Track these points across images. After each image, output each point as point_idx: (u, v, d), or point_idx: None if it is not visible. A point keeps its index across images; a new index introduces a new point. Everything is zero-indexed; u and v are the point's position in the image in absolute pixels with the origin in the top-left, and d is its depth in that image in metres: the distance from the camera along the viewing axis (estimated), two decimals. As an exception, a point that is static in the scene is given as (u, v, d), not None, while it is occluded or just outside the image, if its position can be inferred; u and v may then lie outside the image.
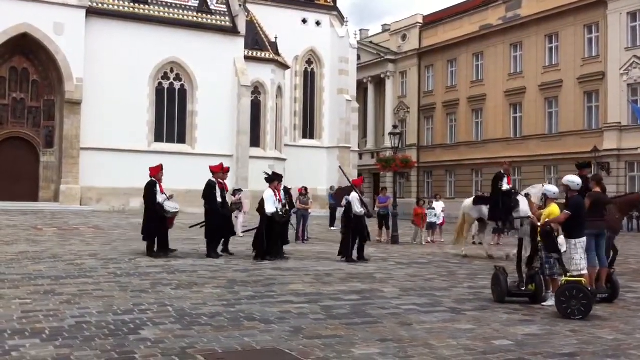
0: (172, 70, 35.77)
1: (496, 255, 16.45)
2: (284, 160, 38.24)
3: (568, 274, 8.67)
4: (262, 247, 14.00)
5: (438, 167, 45.90)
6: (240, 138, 35.92)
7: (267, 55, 38.24)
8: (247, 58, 36.96)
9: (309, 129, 43.48)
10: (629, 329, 7.71)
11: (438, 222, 22.03)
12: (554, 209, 9.12)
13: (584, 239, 8.92)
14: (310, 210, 21.74)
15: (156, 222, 13.93)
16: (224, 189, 14.72)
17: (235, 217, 20.11)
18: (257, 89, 37.76)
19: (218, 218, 14.31)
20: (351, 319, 7.77)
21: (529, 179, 36.91)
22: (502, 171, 16.05)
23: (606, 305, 9.29)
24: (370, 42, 53.17)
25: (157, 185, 14.11)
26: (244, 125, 35.99)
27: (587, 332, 7.45)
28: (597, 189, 10.43)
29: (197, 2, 36.88)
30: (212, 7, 37.24)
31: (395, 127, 25.76)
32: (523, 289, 9.32)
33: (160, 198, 13.99)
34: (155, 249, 13.93)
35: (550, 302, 8.88)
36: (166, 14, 35.70)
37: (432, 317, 8.04)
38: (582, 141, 35.25)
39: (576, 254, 8.73)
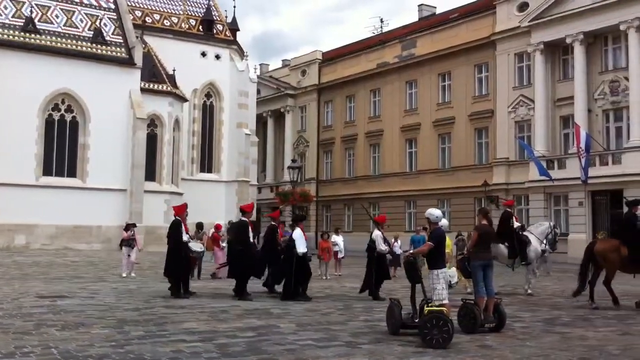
0: (63, 102, 34.52)
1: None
2: (180, 194, 37.50)
3: (430, 304, 8.89)
4: (291, 287, 13.81)
5: (336, 200, 46.44)
6: (135, 172, 34.99)
7: (164, 88, 37.64)
8: (143, 90, 36.21)
9: (207, 162, 42.98)
10: (517, 358, 7.93)
11: (341, 256, 22.22)
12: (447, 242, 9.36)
13: (445, 269, 9.23)
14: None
15: (181, 261, 13.80)
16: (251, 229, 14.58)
17: (128, 255, 19.13)
18: (153, 122, 37.03)
19: (249, 257, 14.03)
20: (246, 357, 7.61)
21: (423, 212, 37.92)
22: (508, 209, 16.23)
23: (495, 335, 9.57)
24: (271, 77, 53.58)
25: (182, 225, 14.02)
26: (139, 159, 35.12)
27: (478, 362, 7.61)
28: (484, 222, 10.78)
29: (92, 32, 35.99)
30: (107, 37, 36.44)
31: (294, 161, 26.05)
32: (416, 320, 9.44)
33: (185, 237, 13.98)
34: (182, 290, 13.65)
35: None
36: (59, 44, 34.58)
37: (327, 352, 7.99)
38: (473, 175, 36.68)
39: (438, 284, 8.97)
